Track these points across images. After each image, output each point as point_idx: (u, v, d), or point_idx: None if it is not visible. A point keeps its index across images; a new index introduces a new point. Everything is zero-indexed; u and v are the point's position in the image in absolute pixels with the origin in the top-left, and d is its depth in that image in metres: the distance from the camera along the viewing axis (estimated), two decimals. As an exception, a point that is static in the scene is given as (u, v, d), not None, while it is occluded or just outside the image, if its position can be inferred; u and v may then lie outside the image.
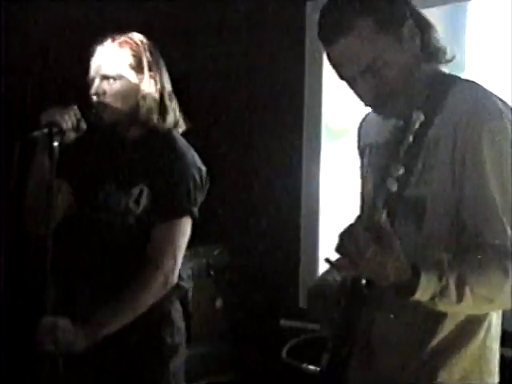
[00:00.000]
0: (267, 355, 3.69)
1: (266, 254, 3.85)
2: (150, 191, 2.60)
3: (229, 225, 3.94)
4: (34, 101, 2.55)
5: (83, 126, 2.58)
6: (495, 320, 1.92)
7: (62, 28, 4.25)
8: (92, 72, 2.66)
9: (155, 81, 2.67)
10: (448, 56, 1.94)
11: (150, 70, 2.66)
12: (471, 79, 1.97)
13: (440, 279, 1.70)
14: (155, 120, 2.65)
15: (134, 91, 2.64)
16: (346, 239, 1.67)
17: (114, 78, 2.62)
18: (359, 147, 2.15)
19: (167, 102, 2.69)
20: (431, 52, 1.91)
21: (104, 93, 2.61)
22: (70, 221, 2.71)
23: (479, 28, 3.28)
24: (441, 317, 1.85)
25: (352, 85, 1.89)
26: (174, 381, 2.69)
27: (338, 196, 3.59)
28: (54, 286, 2.54)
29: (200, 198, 2.67)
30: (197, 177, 2.63)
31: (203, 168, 2.67)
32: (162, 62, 2.71)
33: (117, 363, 2.61)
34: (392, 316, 1.90)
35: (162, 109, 2.67)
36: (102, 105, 2.61)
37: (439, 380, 1.87)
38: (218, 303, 3.76)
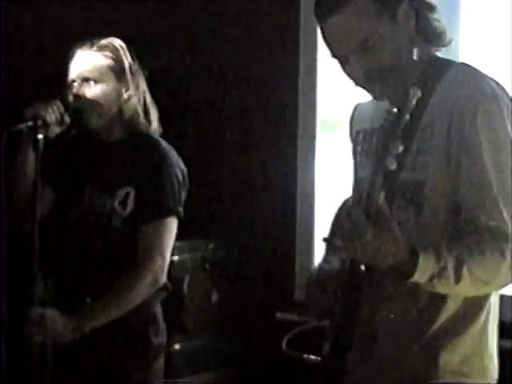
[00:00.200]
0: (264, 348, 3.69)
1: (261, 248, 3.85)
2: (136, 193, 2.62)
3: (224, 218, 3.93)
4: (32, 100, 2.56)
5: (67, 120, 2.60)
6: (495, 304, 1.92)
7: (61, 28, 4.24)
8: (72, 75, 2.68)
9: (137, 85, 2.70)
10: (445, 40, 1.93)
11: (131, 73, 2.69)
12: (466, 62, 1.97)
13: (438, 261, 1.70)
14: (140, 123, 2.69)
15: (115, 94, 2.67)
16: (344, 222, 1.67)
17: (95, 81, 2.65)
18: (351, 135, 2.14)
19: (150, 106, 2.73)
20: (427, 35, 1.91)
21: (84, 95, 2.63)
22: (55, 220, 2.73)
23: (474, 13, 3.27)
24: (442, 301, 1.85)
25: (344, 63, 1.89)
26: (157, 379, 2.72)
27: (333, 188, 3.58)
28: (42, 280, 2.55)
29: (184, 197, 2.70)
30: (180, 177, 2.67)
31: (185, 168, 2.71)
32: (141, 69, 2.74)
33: (103, 360, 2.63)
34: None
35: (147, 113, 2.72)
36: (81, 107, 2.63)
37: (440, 363, 1.86)
38: (214, 297, 3.75)
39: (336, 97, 3.54)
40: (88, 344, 2.55)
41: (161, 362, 2.74)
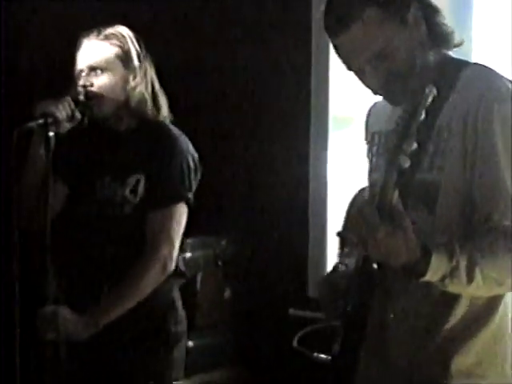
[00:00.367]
0: (276, 345, 3.69)
1: (273, 244, 3.85)
2: (146, 180, 2.61)
3: (236, 215, 3.94)
4: (34, 98, 2.55)
5: (78, 115, 2.59)
6: (509, 306, 1.91)
7: (61, 27, 4.25)
8: (79, 65, 2.67)
9: (145, 73, 2.68)
10: (456, 41, 1.93)
11: (138, 61, 2.67)
12: (480, 63, 1.97)
13: (450, 260, 1.70)
14: (149, 111, 2.67)
15: (122, 82, 2.65)
16: (358, 219, 1.67)
17: (102, 69, 2.63)
18: (367, 135, 2.14)
19: (159, 94, 2.71)
20: (438, 37, 1.90)
21: (92, 84, 2.62)
22: (68, 216, 2.72)
23: (486, 14, 3.26)
24: (454, 302, 1.85)
25: (360, 75, 1.89)
26: (177, 368, 2.70)
27: (346, 186, 3.58)
28: (55, 279, 2.55)
29: (195, 184, 2.68)
30: (191, 163, 2.65)
31: (196, 154, 2.68)
32: (149, 57, 2.72)
33: (122, 352, 2.62)
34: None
35: (156, 100, 2.70)
36: (90, 96, 2.61)
37: (453, 365, 1.86)
38: (227, 294, 3.76)
39: (348, 94, 3.54)
40: (106, 334, 2.54)
41: (181, 349, 2.71)
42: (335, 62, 3.64)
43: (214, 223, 3.77)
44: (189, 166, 2.64)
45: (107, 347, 2.60)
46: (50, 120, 2.50)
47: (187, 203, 2.64)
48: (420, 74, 1.85)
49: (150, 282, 2.57)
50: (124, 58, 2.66)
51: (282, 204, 3.84)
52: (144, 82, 2.67)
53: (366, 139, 2.14)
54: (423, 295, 1.85)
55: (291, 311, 3.75)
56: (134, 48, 2.67)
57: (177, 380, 2.70)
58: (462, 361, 1.86)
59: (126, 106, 2.66)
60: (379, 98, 2.02)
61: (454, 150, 1.82)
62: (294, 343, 3.16)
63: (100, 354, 2.61)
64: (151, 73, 2.71)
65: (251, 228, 3.90)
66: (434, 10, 1.90)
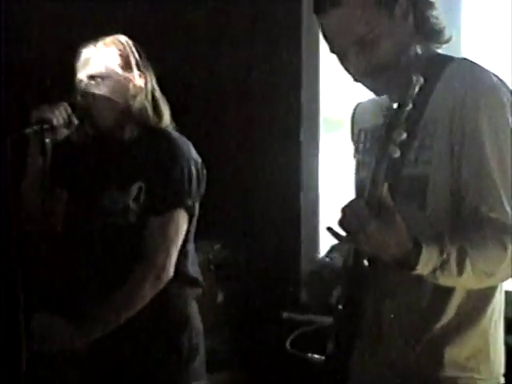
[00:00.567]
0: (270, 348, 3.68)
1: (266, 248, 3.85)
2: (146, 187, 2.58)
3: (229, 219, 3.93)
4: (34, 100, 2.55)
5: (75, 121, 2.57)
6: (501, 300, 1.92)
7: (61, 28, 4.25)
8: (79, 74, 2.65)
9: (145, 80, 2.66)
10: (444, 37, 1.93)
11: (138, 68, 2.66)
12: (466, 57, 1.97)
13: (441, 252, 1.70)
14: (150, 119, 2.65)
15: (122, 90, 2.63)
16: (348, 214, 1.67)
17: (102, 78, 2.62)
18: (353, 134, 2.15)
19: (160, 101, 2.69)
20: (426, 32, 1.91)
21: (92, 93, 2.61)
22: (70, 225, 2.71)
23: (475, 9, 3.28)
24: (447, 296, 1.85)
25: (342, 59, 1.90)
26: (195, 379, 2.65)
27: (337, 189, 3.58)
28: (55, 287, 2.54)
29: (198, 190, 2.65)
30: (193, 169, 2.61)
31: (199, 160, 2.65)
32: (149, 65, 2.71)
33: (133, 365, 2.59)
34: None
35: (157, 108, 2.67)
36: (88, 106, 2.60)
37: (446, 356, 1.86)
38: (220, 298, 3.75)
39: (339, 96, 3.55)
40: (114, 347, 2.53)
41: (199, 361, 2.65)
42: (326, 64, 3.69)
43: (207, 228, 3.76)
44: (190, 173, 2.59)
45: (116, 360, 2.59)
46: (45, 126, 2.48)
47: (187, 210, 2.61)
48: (404, 67, 1.85)
49: (144, 291, 2.53)
50: (123, 65, 2.64)
51: (274, 207, 3.85)
52: (144, 89, 2.65)
53: (353, 139, 2.14)
54: (415, 289, 1.85)
55: (285, 315, 3.74)
56: (133, 56, 2.66)
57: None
58: (455, 354, 1.87)
59: (127, 115, 2.64)
60: (365, 98, 2.03)
61: (442, 144, 1.83)
62: (287, 346, 3.15)
63: (110, 367, 2.60)
64: (152, 81, 2.69)
65: (244, 232, 3.90)
66: (426, 4, 1.91)
